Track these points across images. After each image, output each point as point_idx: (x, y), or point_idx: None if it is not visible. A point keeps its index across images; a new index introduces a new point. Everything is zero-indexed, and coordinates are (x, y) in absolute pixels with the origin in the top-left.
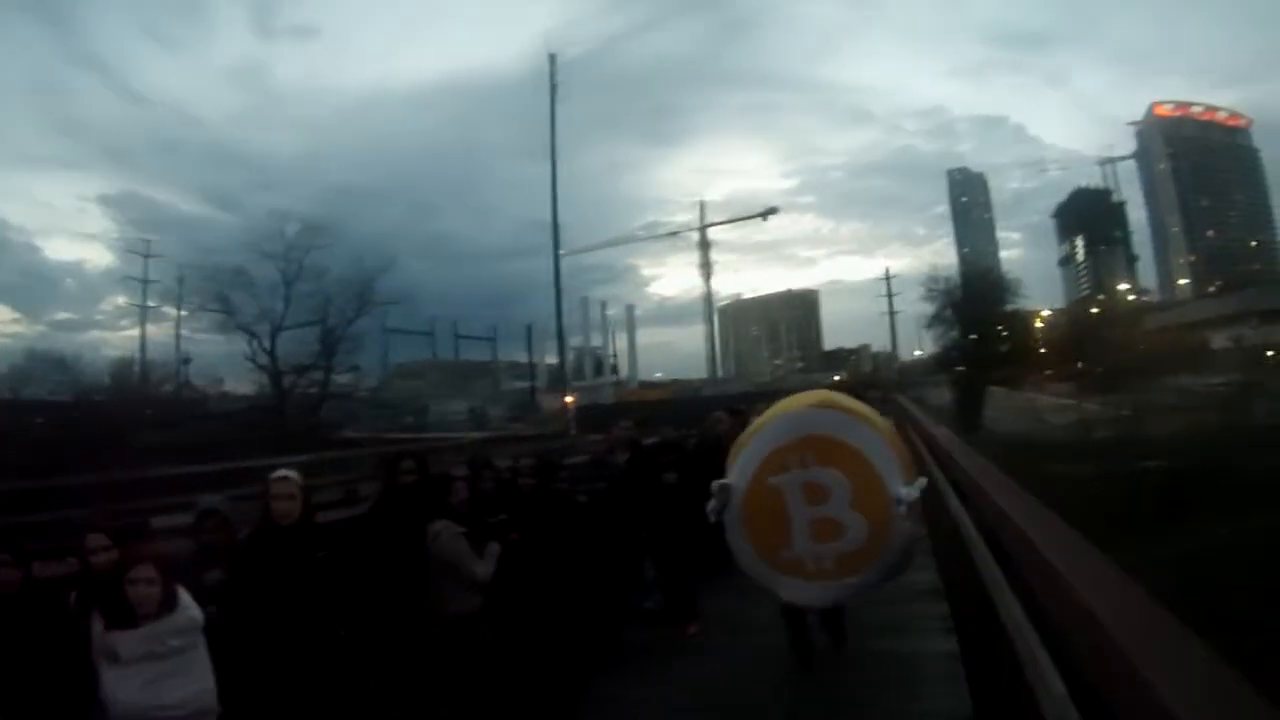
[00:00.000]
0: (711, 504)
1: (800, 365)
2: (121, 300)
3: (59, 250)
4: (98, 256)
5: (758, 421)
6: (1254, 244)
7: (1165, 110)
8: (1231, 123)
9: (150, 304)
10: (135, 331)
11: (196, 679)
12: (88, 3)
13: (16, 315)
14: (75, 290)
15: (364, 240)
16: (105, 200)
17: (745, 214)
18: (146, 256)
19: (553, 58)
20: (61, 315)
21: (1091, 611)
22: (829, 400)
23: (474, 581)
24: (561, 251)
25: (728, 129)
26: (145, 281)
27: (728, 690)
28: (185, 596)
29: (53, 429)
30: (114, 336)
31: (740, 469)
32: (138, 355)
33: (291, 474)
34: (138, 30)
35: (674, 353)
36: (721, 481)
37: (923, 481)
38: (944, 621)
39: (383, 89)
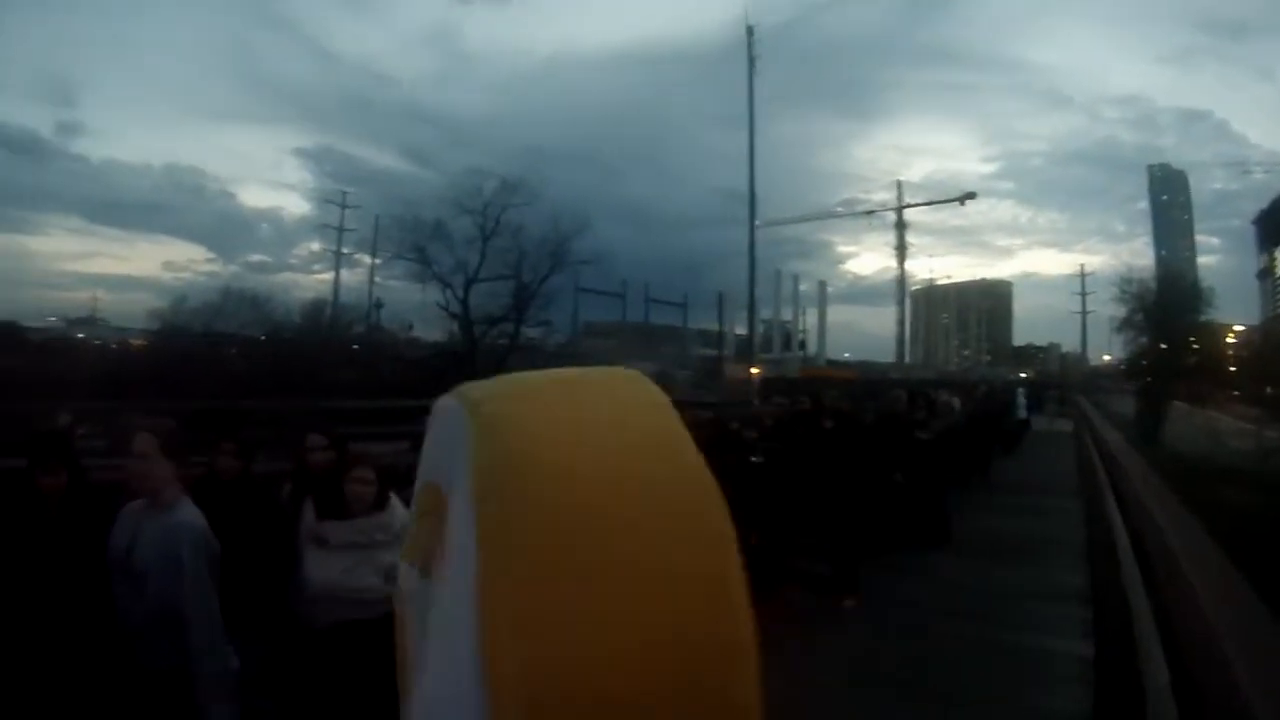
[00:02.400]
0: None
1: (988, 359)
2: (316, 246)
3: (255, 198)
4: (293, 205)
5: None
6: None
7: None
8: None
9: (344, 250)
10: (327, 275)
11: (388, 572)
12: None
13: (212, 255)
14: (270, 235)
15: (557, 201)
16: (301, 153)
17: (942, 197)
18: (343, 206)
19: (751, 29)
20: (256, 257)
21: (1218, 638)
22: None
23: None
24: (756, 223)
25: (925, 107)
26: (341, 229)
27: (867, 660)
28: (395, 499)
29: (245, 360)
30: (306, 279)
31: None
32: (330, 298)
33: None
34: None
35: (861, 332)
36: None
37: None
38: (1083, 625)
39: (572, 53)
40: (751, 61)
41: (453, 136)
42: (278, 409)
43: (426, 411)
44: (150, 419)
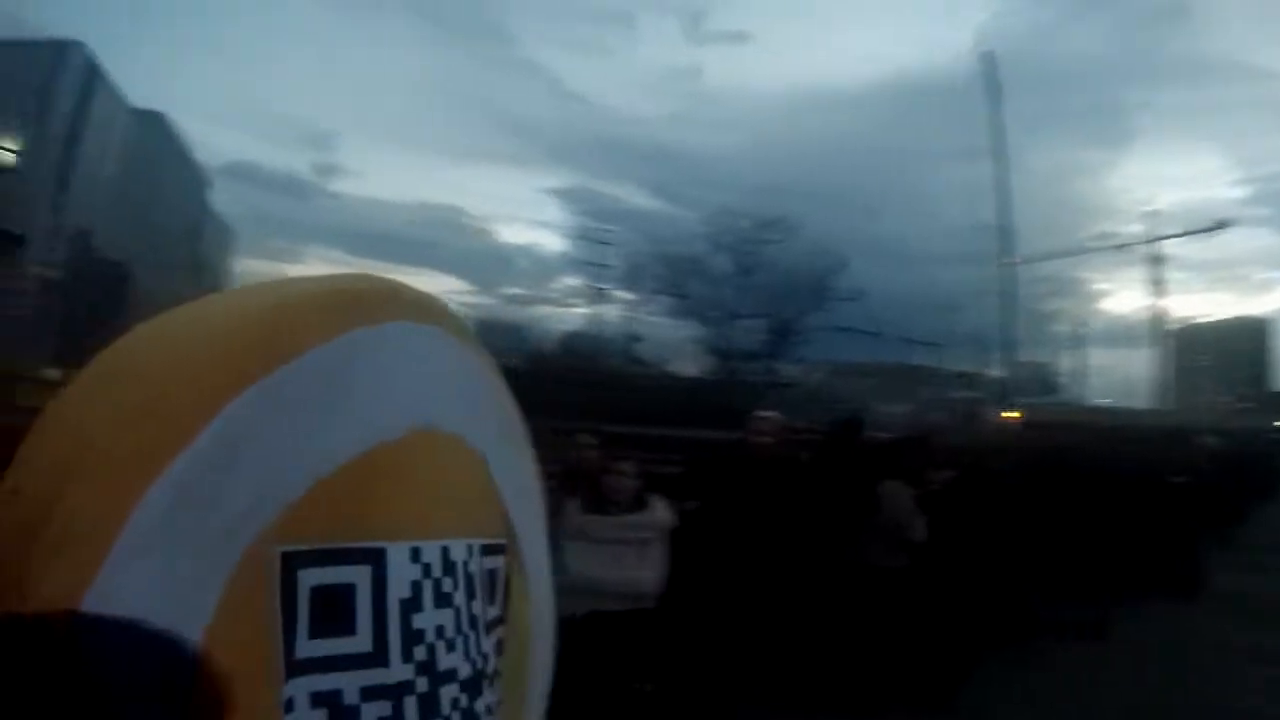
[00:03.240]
0: None
1: (1248, 404)
2: (572, 281)
3: (512, 235)
4: (549, 241)
5: None
6: None
7: None
8: None
9: (602, 286)
10: (584, 310)
11: (648, 567)
12: (520, 18)
13: (470, 287)
14: (527, 269)
15: (811, 238)
16: (556, 192)
17: (1193, 227)
18: (601, 243)
19: (989, 55)
20: (513, 290)
21: None
22: None
23: (907, 539)
24: (1008, 259)
25: (1172, 128)
26: (598, 265)
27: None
28: (657, 499)
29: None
30: (564, 313)
31: None
32: (587, 330)
33: (771, 414)
34: (571, 40)
35: (1117, 376)
36: None
37: None
38: None
39: (814, 90)
40: (993, 88)
41: (701, 174)
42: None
43: (679, 442)
44: None
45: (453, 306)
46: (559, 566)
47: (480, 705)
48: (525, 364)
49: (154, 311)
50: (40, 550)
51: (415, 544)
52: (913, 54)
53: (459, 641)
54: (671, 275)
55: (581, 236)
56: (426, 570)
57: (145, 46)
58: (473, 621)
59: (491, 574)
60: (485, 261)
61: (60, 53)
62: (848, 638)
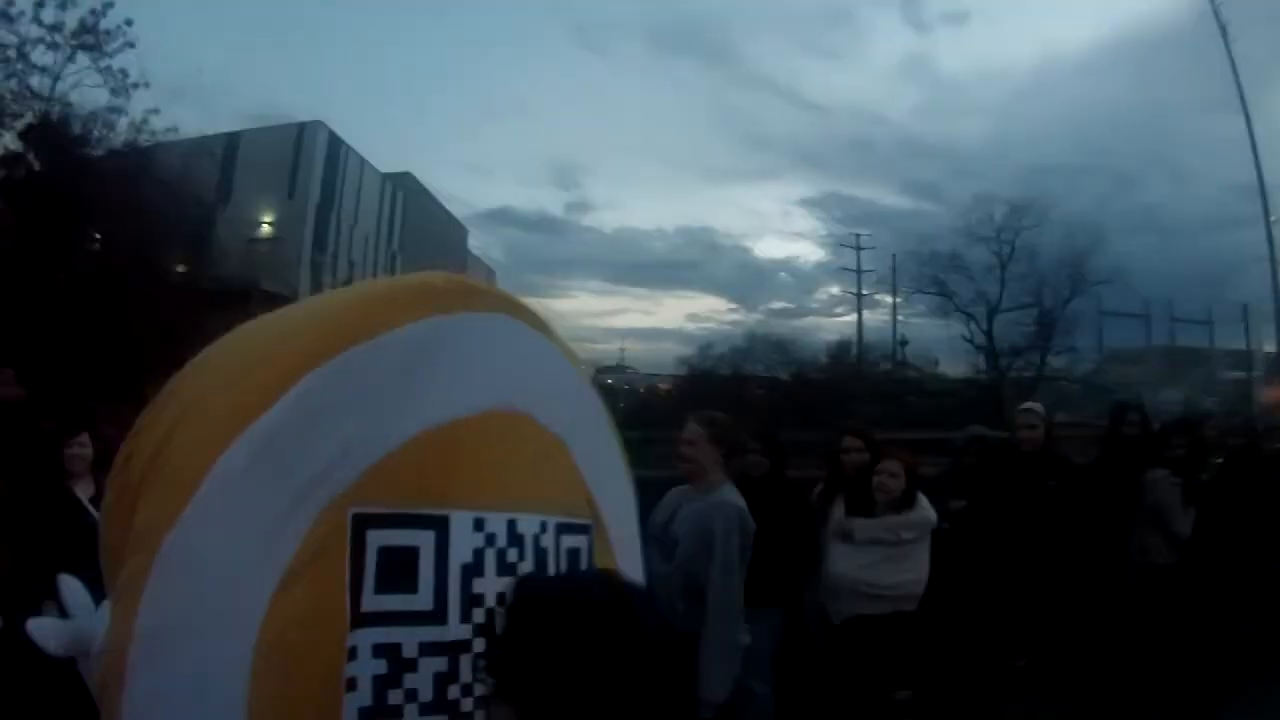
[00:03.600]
0: None
1: None
2: (835, 290)
3: (769, 249)
4: (807, 252)
5: None
6: None
7: None
8: None
9: (864, 291)
10: (850, 317)
11: (911, 569)
12: (743, 36)
13: (733, 305)
14: (788, 282)
15: (1068, 218)
16: (807, 202)
17: None
18: (858, 249)
19: None
20: (777, 304)
21: None
22: None
23: (1173, 534)
24: (1273, 218)
25: None
26: (858, 271)
27: None
28: (923, 499)
29: (773, 398)
30: (829, 322)
31: None
32: (854, 338)
33: (1036, 406)
34: (796, 48)
35: None
36: None
37: None
38: None
39: (1049, 60)
40: (1226, 31)
41: (953, 166)
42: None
43: (952, 445)
44: (703, 412)
45: (531, 303)
46: (823, 570)
47: None
48: (792, 378)
49: None
50: (145, 485)
51: (479, 514)
52: (1138, 5)
53: None
54: (930, 273)
55: (838, 243)
56: (490, 539)
57: (391, 115)
58: None
59: (572, 553)
60: (746, 278)
61: (304, 132)
62: (1115, 638)
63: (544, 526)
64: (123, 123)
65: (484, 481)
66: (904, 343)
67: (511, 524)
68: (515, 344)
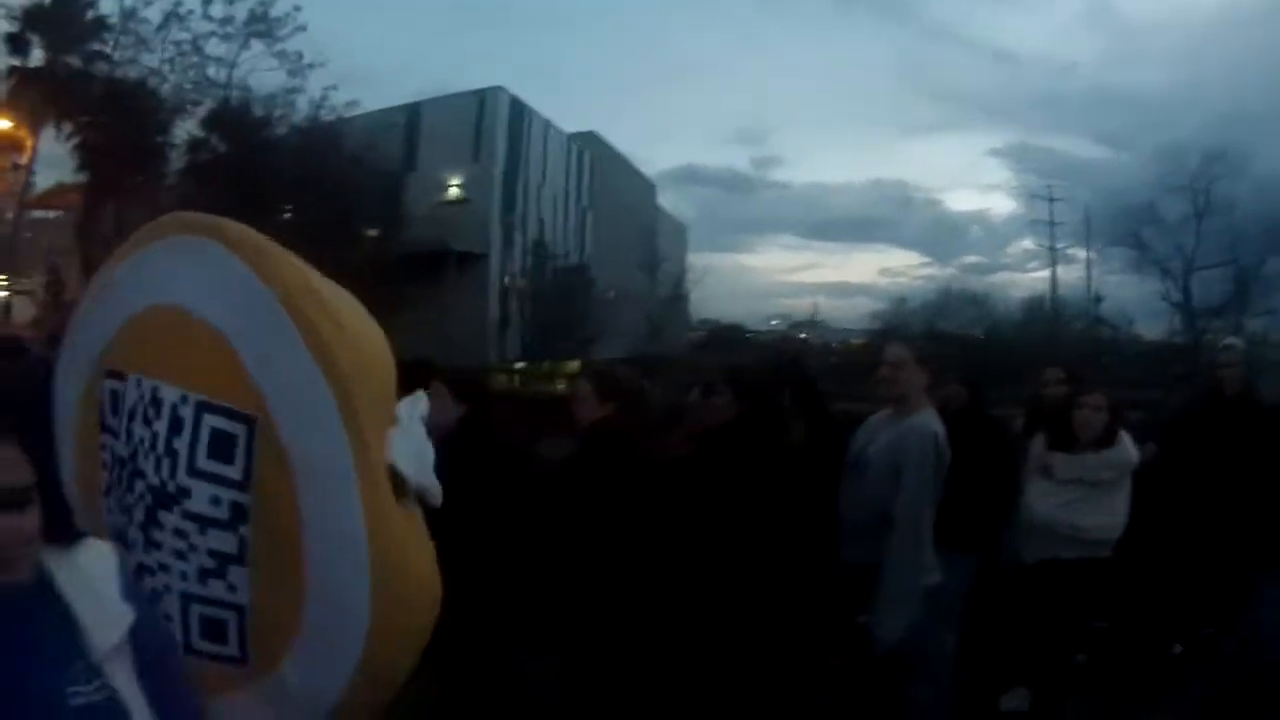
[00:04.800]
0: None
1: None
2: (1028, 244)
3: (960, 202)
4: (999, 205)
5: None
6: None
7: None
8: None
9: (1057, 245)
10: (1043, 273)
11: (1110, 511)
12: None
13: (926, 260)
14: (980, 236)
15: (1266, 170)
16: (997, 153)
17: None
18: (1050, 200)
19: None
20: (970, 259)
21: None
22: None
23: None
24: None
25: None
26: (1051, 224)
27: None
28: (1126, 437)
29: (966, 358)
30: (1022, 278)
31: None
32: (1047, 294)
33: (1238, 341)
34: None
35: None
36: None
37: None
38: None
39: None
40: None
41: (1144, 115)
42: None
43: (1147, 404)
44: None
45: (247, 231)
46: (1019, 507)
47: (163, 517)
48: (986, 335)
49: (612, 304)
50: None
51: (139, 378)
52: None
53: (153, 456)
54: (1125, 226)
55: (1030, 195)
56: (141, 396)
57: (573, 81)
58: (171, 452)
59: (222, 435)
60: (938, 233)
61: (485, 98)
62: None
63: (184, 399)
64: (302, 102)
65: (150, 358)
66: (1099, 299)
67: (155, 389)
68: (197, 259)
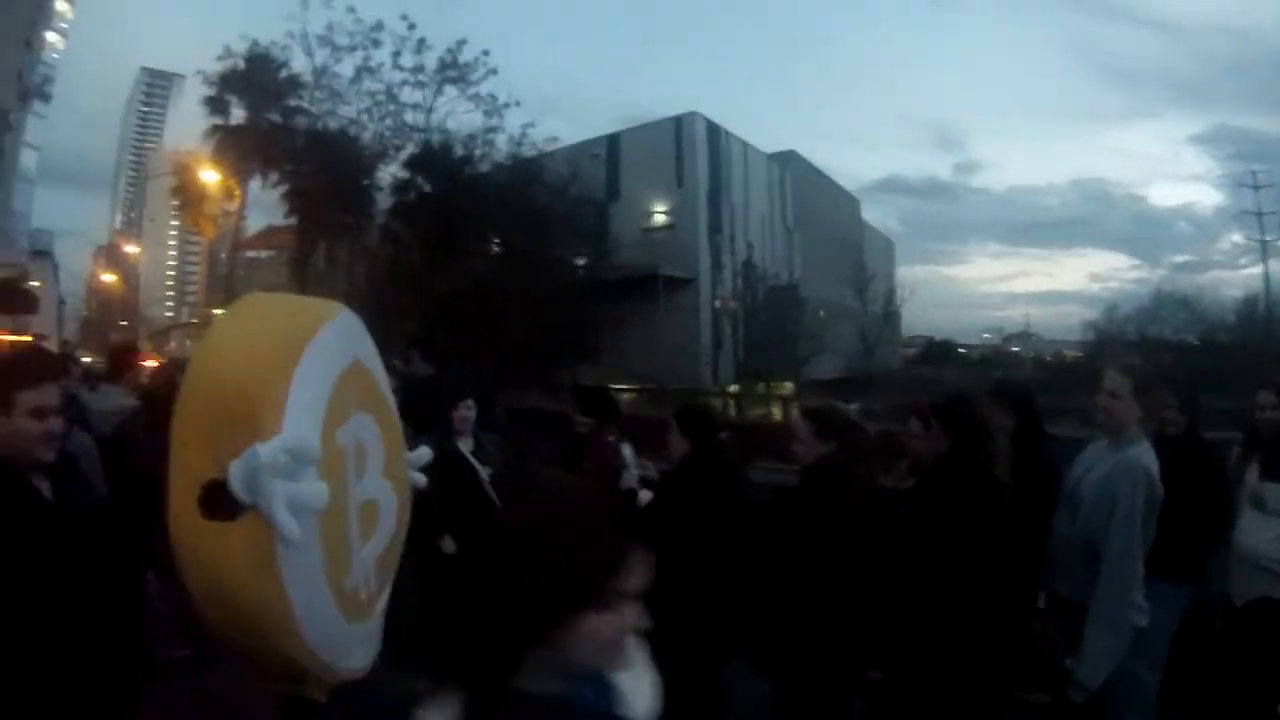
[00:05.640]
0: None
1: None
2: (1237, 237)
3: (1163, 196)
4: (1204, 196)
5: (256, 307)
6: None
7: None
8: None
9: (1268, 238)
10: (1257, 269)
11: None
12: None
13: (1135, 262)
14: (1187, 231)
15: None
16: (1195, 139)
17: None
18: (1255, 188)
19: None
20: (1179, 258)
21: None
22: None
23: None
24: None
25: None
26: (1260, 214)
27: None
28: None
29: (1182, 363)
30: (1234, 275)
31: (300, 410)
32: (1262, 294)
33: None
34: None
35: None
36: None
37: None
38: None
39: None
40: None
41: None
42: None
43: None
44: (1126, 362)
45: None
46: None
47: None
48: (1200, 341)
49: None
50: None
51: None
52: None
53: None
54: None
55: (1235, 183)
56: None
57: (763, 101)
58: None
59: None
60: (1144, 231)
61: (682, 124)
62: None
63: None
64: (501, 139)
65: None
66: None
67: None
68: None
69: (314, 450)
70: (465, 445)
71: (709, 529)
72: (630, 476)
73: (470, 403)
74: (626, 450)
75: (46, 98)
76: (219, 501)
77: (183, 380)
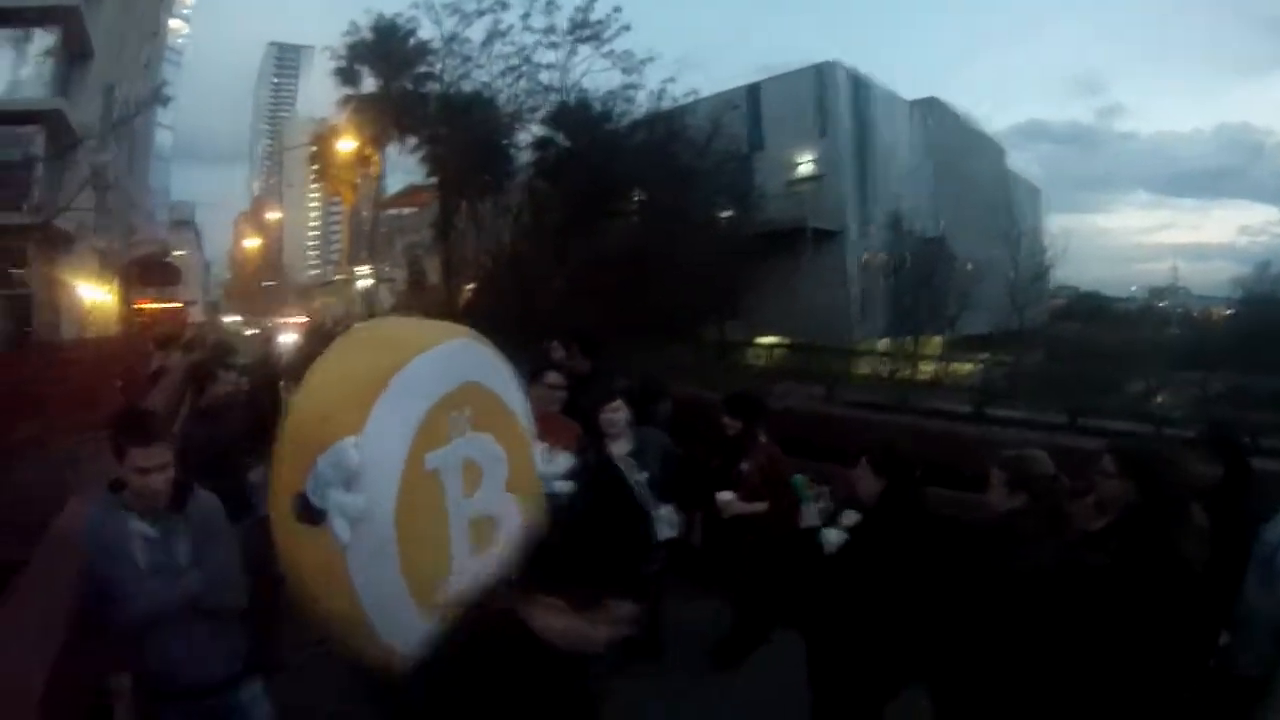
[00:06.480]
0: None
1: None
2: None
3: None
4: None
5: (359, 342)
6: None
7: None
8: None
9: None
10: None
11: None
12: None
13: None
14: None
15: None
16: None
17: None
18: None
19: None
20: None
21: None
22: (470, 331)
23: None
24: None
25: None
26: None
27: None
28: None
29: None
30: None
31: (381, 435)
32: None
33: None
34: None
35: None
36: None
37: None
38: None
39: None
40: None
41: None
42: None
43: None
44: None
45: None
46: None
47: None
48: None
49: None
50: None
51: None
52: None
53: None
54: None
55: None
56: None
57: (903, 48)
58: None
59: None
60: None
61: (822, 72)
62: None
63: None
64: (641, 95)
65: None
66: None
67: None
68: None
69: (350, 462)
70: (620, 448)
71: (909, 579)
72: (810, 513)
73: (618, 404)
74: (799, 480)
75: (164, 101)
76: (303, 508)
77: (287, 410)
